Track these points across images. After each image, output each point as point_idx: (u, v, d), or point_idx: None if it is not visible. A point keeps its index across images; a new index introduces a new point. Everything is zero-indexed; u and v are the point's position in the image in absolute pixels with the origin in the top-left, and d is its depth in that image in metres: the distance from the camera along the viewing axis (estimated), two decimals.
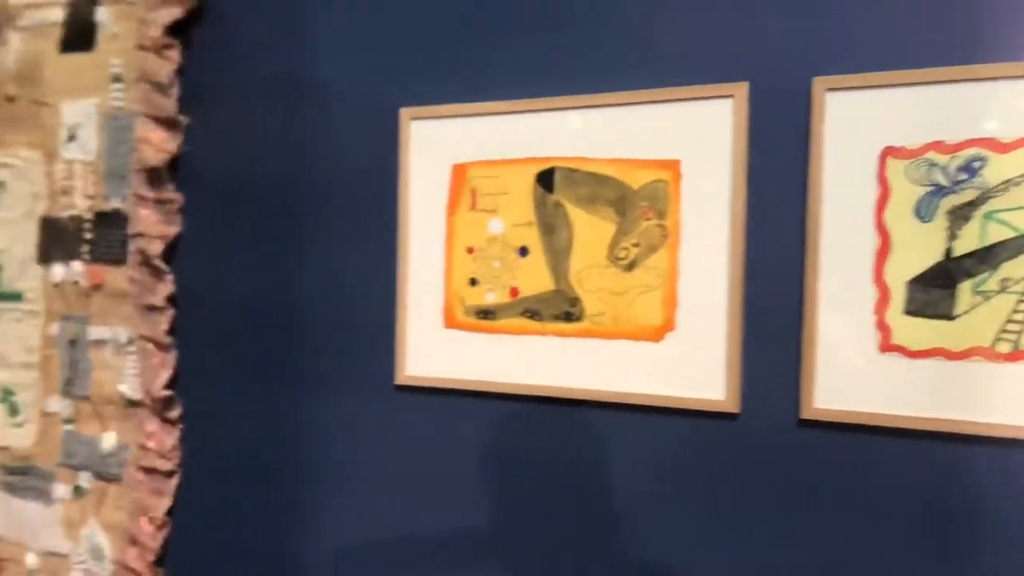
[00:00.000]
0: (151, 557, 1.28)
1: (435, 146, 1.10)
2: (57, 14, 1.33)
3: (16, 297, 1.40)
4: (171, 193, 1.27)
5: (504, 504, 1.07)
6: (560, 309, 1.03)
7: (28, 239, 1.39)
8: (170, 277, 1.27)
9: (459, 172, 1.08)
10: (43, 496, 1.38)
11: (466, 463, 1.10)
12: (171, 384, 1.28)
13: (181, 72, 1.26)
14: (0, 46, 1.39)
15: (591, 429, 1.03)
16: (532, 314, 1.04)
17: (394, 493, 1.14)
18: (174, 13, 1.23)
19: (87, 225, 1.33)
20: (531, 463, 1.06)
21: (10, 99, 1.39)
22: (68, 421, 1.37)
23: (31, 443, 1.40)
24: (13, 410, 1.41)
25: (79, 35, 1.31)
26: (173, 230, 1.28)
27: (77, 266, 1.34)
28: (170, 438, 1.28)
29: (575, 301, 1.02)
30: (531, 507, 1.06)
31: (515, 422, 1.07)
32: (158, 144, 1.26)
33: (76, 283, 1.35)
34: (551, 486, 1.05)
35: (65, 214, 1.35)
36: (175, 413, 1.28)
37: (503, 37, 1.07)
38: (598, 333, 1.00)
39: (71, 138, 1.34)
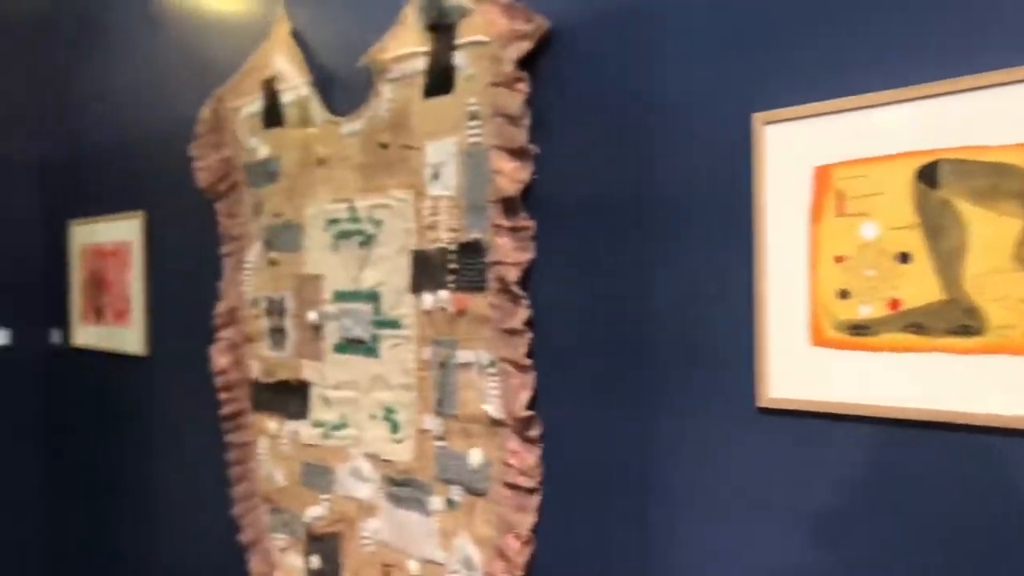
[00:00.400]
0: (519, 572, 1.40)
1: (793, 149, 1.08)
2: (420, 63, 1.53)
3: (394, 324, 1.63)
4: (525, 221, 1.39)
5: (883, 545, 1.01)
6: (954, 322, 0.94)
7: (402, 271, 1.61)
8: (526, 302, 1.39)
9: (822, 175, 1.05)
10: (421, 507, 1.58)
11: (838, 495, 1.05)
12: (531, 404, 1.39)
13: (530, 102, 1.38)
14: (374, 98, 1.64)
15: (998, 461, 0.93)
16: (917, 328, 0.97)
17: (754, 523, 1.13)
18: (524, 47, 1.35)
19: (451, 256, 1.51)
20: (916, 498, 0.98)
21: (384, 146, 1.62)
22: (439, 438, 1.55)
23: (410, 458, 1.61)
24: (394, 427, 1.64)
25: (439, 80, 1.50)
26: (528, 256, 1.40)
27: (444, 294, 1.53)
28: (531, 456, 1.39)
29: (973, 312, 0.93)
30: (914, 549, 0.98)
31: (898, 451, 1.00)
32: (511, 174, 1.39)
33: (443, 310, 1.53)
34: (939, 525, 0.96)
35: (432, 247, 1.55)
36: (535, 432, 1.39)
37: (863, 19, 1.02)
38: (1006, 348, 0.91)
39: (435, 176, 1.53)
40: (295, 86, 1.82)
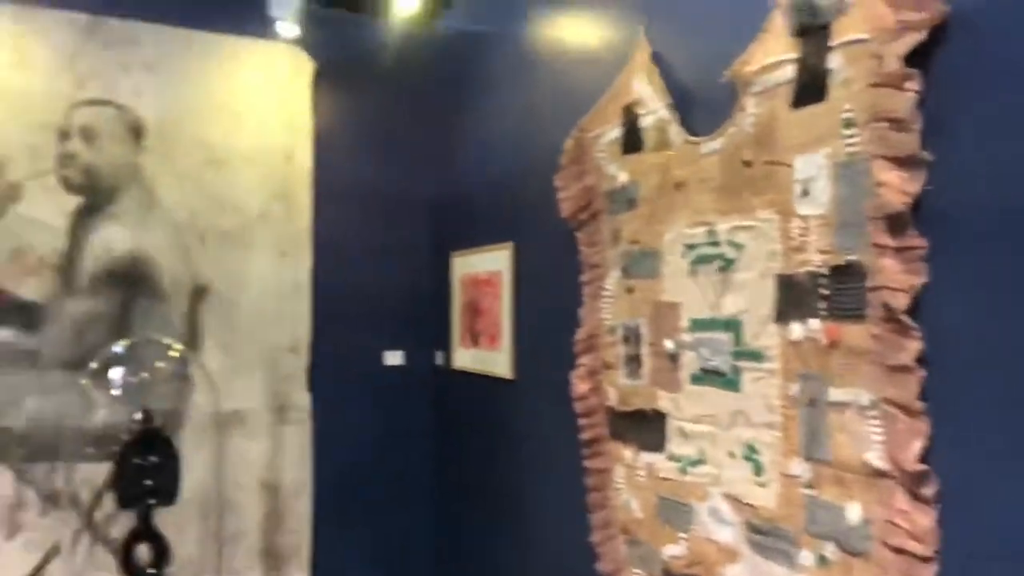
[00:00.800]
0: None
1: None
2: (788, 72, 1.40)
3: (757, 356, 1.49)
4: (915, 239, 1.19)
5: None
6: None
7: (766, 298, 1.47)
8: (918, 333, 1.18)
9: None
10: (788, 561, 1.41)
11: None
12: (924, 456, 1.17)
13: (921, 103, 1.18)
14: (736, 114, 1.53)
15: None
16: None
17: None
18: (913, 40, 1.16)
19: (823, 280, 1.34)
20: None
21: (747, 164, 1.50)
22: (809, 485, 1.38)
23: (775, 504, 1.45)
24: (757, 469, 1.50)
25: (810, 87, 1.35)
26: (918, 280, 1.18)
27: (814, 323, 1.36)
28: (924, 518, 1.17)
29: None
30: None
31: None
32: (898, 187, 1.19)
33: (813, 341, 1.36)
34: None
35: (800, 271, 1.39)
36: (930, 490, 1.16)
37: None
38: None
39: (805, 193, 1.38)
40: (654, 109, 1.77)
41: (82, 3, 2.75)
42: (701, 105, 1.67)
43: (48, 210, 2.74)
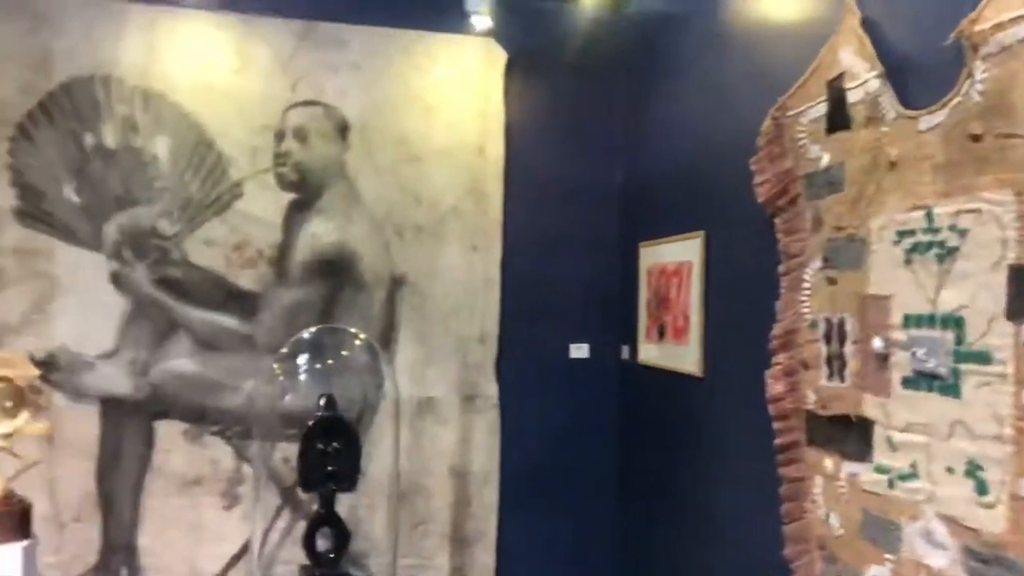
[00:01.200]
0: None
1: None
2: None
3: (983, 358, 1.29)
4: None
5: None
6: None
7: (995, 292, 1.27)
8: None
9: None
10: None
11: None
12: None
13: None
14: (963, 81, 1.33)
15: None
16: None
17: None
18: None
19: None
20: None
21: (975, 138, 1.30)
22: None
23: (1003, 529, 1.25)
24: (981, 487, 1.30)
25: None
26: None
27: None
28: None
29: None
30: None
31: None
32: None
33: None
34: None
35: None
36: None
37: None
38: None
39: None
40: (863, 82, 1.59)
41: (297, 10, 2.91)
42: (919, 75, 1.48)
43: (265, 206, 2.92)
